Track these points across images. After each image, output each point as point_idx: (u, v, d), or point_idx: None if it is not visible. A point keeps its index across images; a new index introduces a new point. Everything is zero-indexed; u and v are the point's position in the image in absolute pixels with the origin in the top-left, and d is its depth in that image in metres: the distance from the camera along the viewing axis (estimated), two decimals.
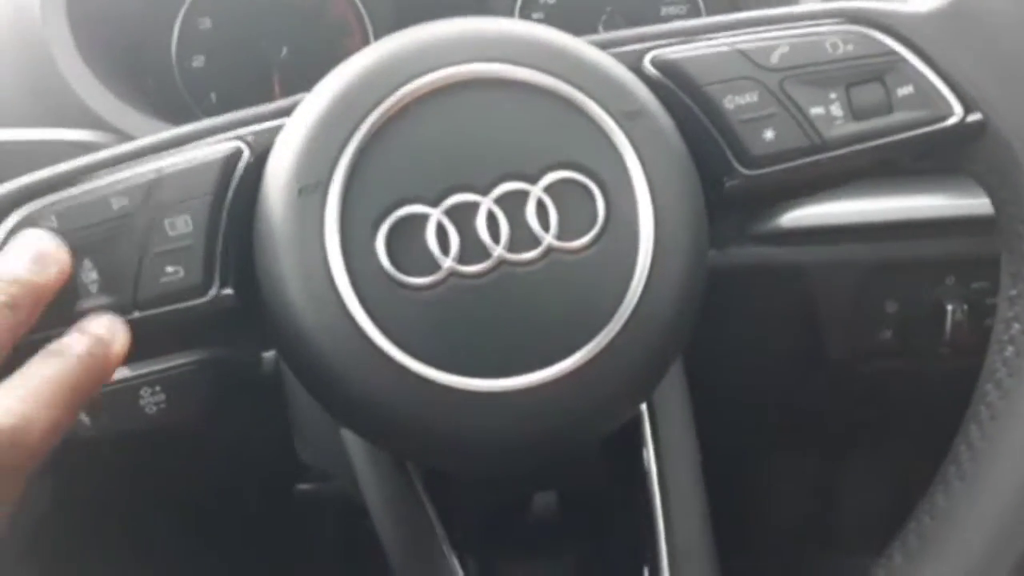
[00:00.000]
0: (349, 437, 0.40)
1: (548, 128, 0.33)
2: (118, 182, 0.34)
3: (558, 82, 0.33)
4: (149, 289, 0.33)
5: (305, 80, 0.66)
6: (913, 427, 0.64)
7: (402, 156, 0.32)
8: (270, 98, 0.63)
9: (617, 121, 0.33)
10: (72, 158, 0.36)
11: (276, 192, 0.32)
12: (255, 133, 0.35)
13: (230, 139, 0.35)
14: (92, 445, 0.44)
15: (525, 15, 0.66)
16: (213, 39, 0.64)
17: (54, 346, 0.31)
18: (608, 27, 0.66)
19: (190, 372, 0.45)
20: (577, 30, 0.67)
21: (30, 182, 0.34)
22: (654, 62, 0.36)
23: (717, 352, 0.58)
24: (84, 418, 0.43)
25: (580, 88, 0.33)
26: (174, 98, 0.63)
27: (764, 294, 0.59)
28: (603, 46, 0.36)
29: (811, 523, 0.77)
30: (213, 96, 0.64)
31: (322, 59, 0.64)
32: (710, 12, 0.66)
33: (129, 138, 0.51)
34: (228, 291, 0.34)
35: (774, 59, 0.36)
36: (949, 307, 0.57)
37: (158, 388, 0.44)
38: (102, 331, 0.32)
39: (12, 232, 0.33)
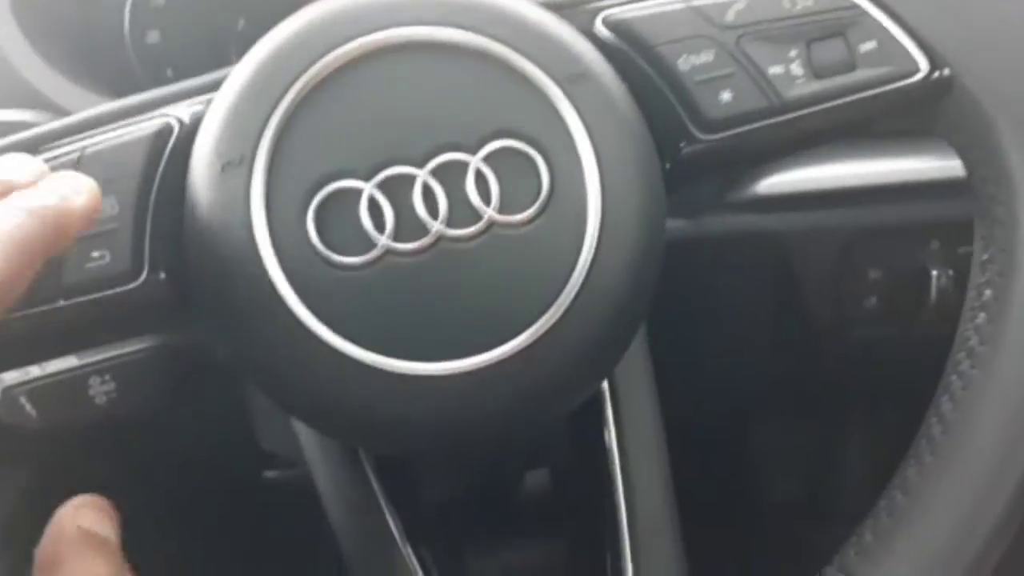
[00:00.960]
0: (298, 424, 0.39)
1: (487, 95, 0.31)
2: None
3: (496, 44, 0.31)
4: (74, 275, 0.31)
5: None
6: (900, 395, 0.63)
7: (331, 128, 0.30)
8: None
9: (560, 85, 0.31)
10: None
11: (200, 168, 0.31)
12: (186, 109, 0.33)
13: (160, 116, 0.33)
14: (44, 437, 0.42)
15: None
16: (167, 14, 0.61)
17: (10, 199, 0.29)
18: None
19: (141, 360, 0.43)
20: None
21: None
22: (606, 22, 0.35)
23: (697, 323, 0.56)
24: (31, 410, 0.42)
25: (519, 51, 0.31)
26: (129, 76, 0.61)
27: (744, 263, 0.57)
28: (554, 8, 0.34)
29: (799, 494, 0.76)
30: (169, 72, 0.62)
31: None
32: None
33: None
34: (160, 276, 0.32)
35: (730, 16, 0.34)
36: (934, 272, 0.56)
37: (108, 377, 0.43)
38: (64, 187, 0.29)
39: None
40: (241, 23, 0.62)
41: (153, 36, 0.61)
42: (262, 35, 0.61)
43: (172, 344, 0.44)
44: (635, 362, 0.39)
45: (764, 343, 0.62)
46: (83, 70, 0.56)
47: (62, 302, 0.31)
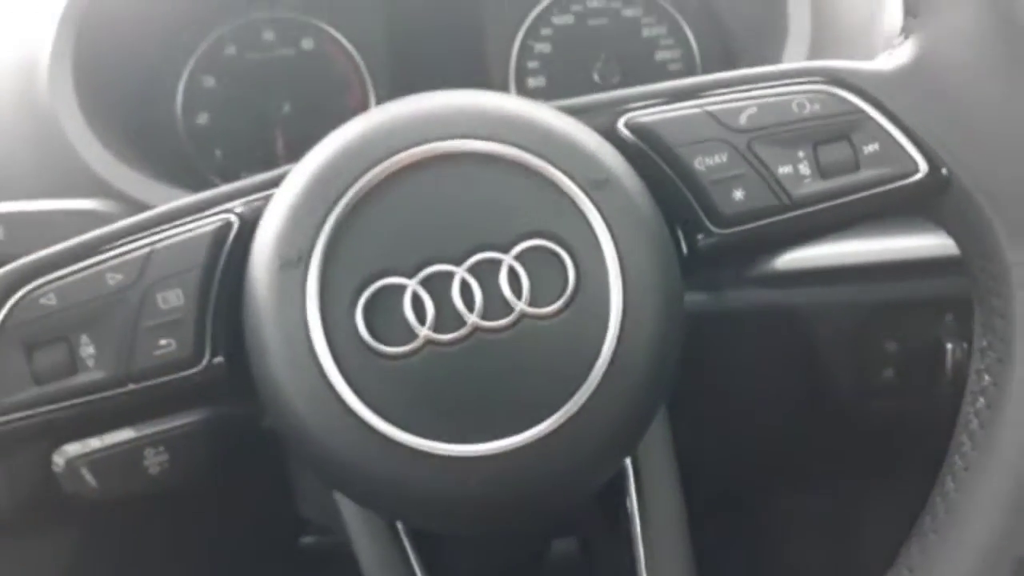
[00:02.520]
0: (341, 499, 0.41)
1: (519, 199, 0.34)
2: (113, 258, 0.35)
3: (526, 154, 0.34)
4: (143, 362, 0.35)
5: (307, 136, 0.68)
6: (917, 466, 0.64)
7: (379, 230, 0.33)
8: (274, 154, 0.66)
9: (585, 190, 0.34)
10: (84, 227, 0.37)
11: (260, 266, 0.34)
12: (244, 206, 0.37)
13: (220, 213, 0.36)
14: (97, 506, 0.45)
15: (521, 64, 0.67)
16: (217, 97, 0.66)
17: None
18: (603, 74, 0.67)
19: (192, 432, 0.46)
20: (572, 77, 0.68)
21: (32, 261, 0.35)
22: (628, 125, 0.37)
23: (716, 394, 0.58)
24: (91, 480, 0.45)
25: (548, 159, 0.34)
26: (180, 156, 0.65)
27: (763, 336, 0.59)
28: (576, 111, 0.37)
29: (817, 563, 0.76)
30: (218, 153, 0.66)
31: (324, 115, 0.66)
32: (704, 59, 0.67)
33: (135, 202, 0.53)
34: (219, 360, 0.35)
35: (742, 120, 0.37)
36: (949, 345, 0.57)
37: (161, 448, 0.45)
38: None
39: (15, 308, 0.35)
40: (286, 107, 0.66)
41: (203, 118, 0.66)
42: (306, 120, 0.66)
43: (221, 416, 0.47)
44: (655, 432, 0.41)
45: (782, 414, 0.63)
46: (138, 151, 0.60)
47: (132, 386, 0.35)
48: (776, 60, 0.58)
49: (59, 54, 0.55)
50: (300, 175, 0.34)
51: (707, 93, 0.38)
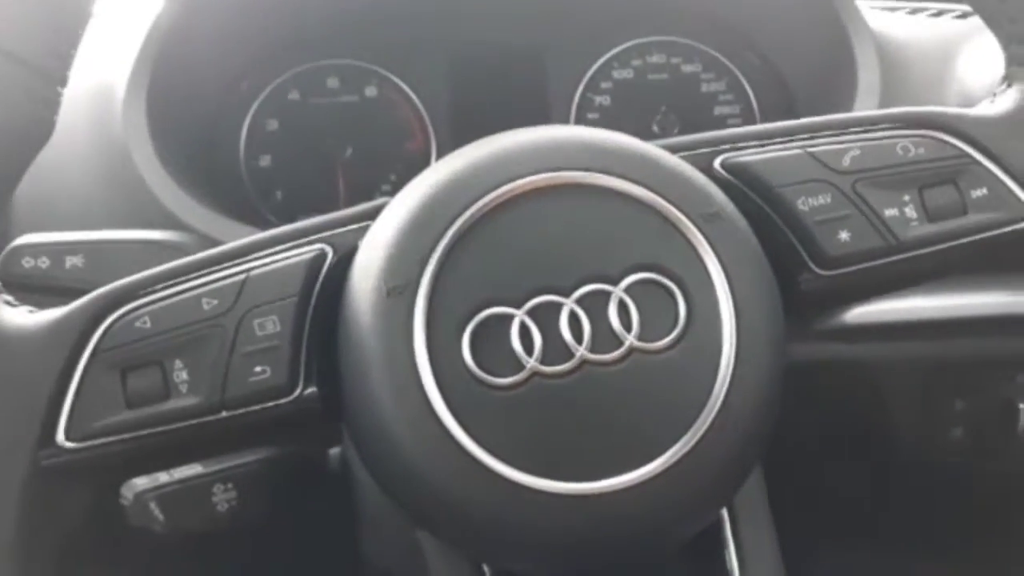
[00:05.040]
0: (426, 539, 0.40)
1: (628, 231, 0.33)
2: (209, 284, 0.35)
3: (637, 187, 0.34)
4: (237, 388, 0.34)
5: (368, 179, 0.68)
6: (988, 527, 0.62)
7: (487, 259, 0.33)
8: (335, 197, 0.66)
9: (696, 223, 0.33)
10: (155, 257, 0.37)
11: (364, 293, 0.33)
12: (338, 236, 0.36)
13: (314, 242, 0.36)
14: (167, 541, 0.44)
15: (581, 116, 0.68)
16: (279, 140, 0.66)
17: None
18: (662, 126, 0.68)
19: (260, 469, 0.45)
20: (631, 129, 0.69)
21: (127, 284, 0.35)
22: (724, 165, 0.37)
23: (781, 450, 0.57)
24: (159, 514, 0.44)
25: (659, 192, 0.34)
26: (241, 195, 0.65)
27: (829, 391, 0.58)
28: (673, 150, 0.37)
29: None
30: (279, 194, 0.66)
31: (385, 160, 0.67)
32: (763, 112, 0.67)
33: (203, 237, 0.53)
34: (312, 390, 0.34)
35: (845, 162, 0.36)
36: (1021, 405, 0.56)
37: (230, 485, 0.44)
38: None
39: (109, 330, 0.34)
40: (348, 151, 0.66)
41: (265, 160, 0.66)
42: (367, 164, 0.66)
43: (289, 454, 0.46)
44: (752, 483, 0.40)
45: (846, 472, 0.62)
46: (203, 187, 0.61)
47: (224, 413, 0.34)
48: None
49: (135, 87, 0.56)
50: (406, 203, 0.34)
51: (806, 135, 0.37)
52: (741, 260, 0.33)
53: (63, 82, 0.35)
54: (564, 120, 0.68)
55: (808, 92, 0.65)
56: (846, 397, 0.58)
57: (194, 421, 0.34)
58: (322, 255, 0.36)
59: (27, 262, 0.47)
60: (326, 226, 0.37)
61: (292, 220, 0.38)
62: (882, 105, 0.57)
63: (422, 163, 0.66)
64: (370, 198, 0.43)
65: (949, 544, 0.71)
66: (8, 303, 0.35)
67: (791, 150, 0.37)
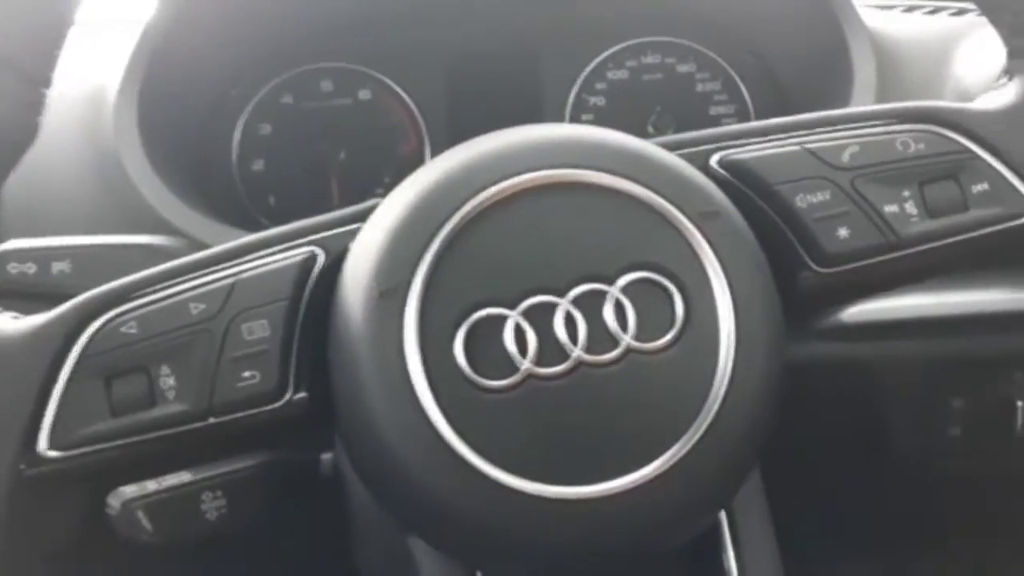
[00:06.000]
0: (418, 546, 0.39)
1: (624, 229, 0.33)
2: (196, 288, 0.34)
3: (633, 185, 0.33)
4: (225, 394, 0.33)
5: (362, 183, 0.67)
6: (987, 527, 0.62)
7: (480, 259, 0.32)
8: (328, 200, 0.65)
9: (693, 222, 0.33)
10: (145, 262, 0.36)
11: (355, 295, 0.32)
12: (329, 238, 0.36)
13: (304, 244, 0.35)
14: (154, 550, 0.43)
15: (576, 117, 0.67)
16: (272, 144, 0.66)
17: None
18: (657, 127, 0.67)
19: (251, 475, 0.44)
20: (627, 130, 0.68)
21: (113, 288, 0.34)
22: (721, 163, 0.37)
23: (777, 449, 0.56)
24: (147, 524, 0.43)
25: (655, 190, 0.33)
26: (235, 201, 0.64)
27: (827, 390, 0.58)
28: (669, 147, 0.36)
29: None
30: (272, 199, 0.65)
31: (379, 163, 0.66)
32: (758, 111, 0.67)
33: (194, 241, 0.53)
34: (302, 395, 0.34)
35: (844, 158, 0.36)
36: (1020, 403, 0.56)
37: (219, 493, 0.43)
38: None
39: (95, 336, 0.33)
40: (342, 155, 0.65)
41: (259, 164, 0.65)
42: (361, 167, 0.65)
43: (279, 460, 0.45)
44: (751, 485, 0.39)
45: (842, 471, 0.61)
46: (195, 191, 0.60)
47: (212, 420, 0.33)
48: None
49: (126, 92, 0.55)
50: (397, 203, 0.33)
51: (804, 131, 0.37)
52: (739, 258, 0.33)
53: (47, 83, 0.34)
54: (559, 121, 0.67)
55: (804, 91, 0.64)
56: (844, 396, 0.57)
57: (181, 428, 0.33)
58: (312, 257, 0.35)
59: (13, 268, 0.46)
60: (316, 228, 0.36)
61: (284, 224, 0.37)
62: (878, 103, 0.56)
63: (416, 166, 0.65)
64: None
65: (948, 543, 0.70)
66: None
67: (789, 147, 0.37)
